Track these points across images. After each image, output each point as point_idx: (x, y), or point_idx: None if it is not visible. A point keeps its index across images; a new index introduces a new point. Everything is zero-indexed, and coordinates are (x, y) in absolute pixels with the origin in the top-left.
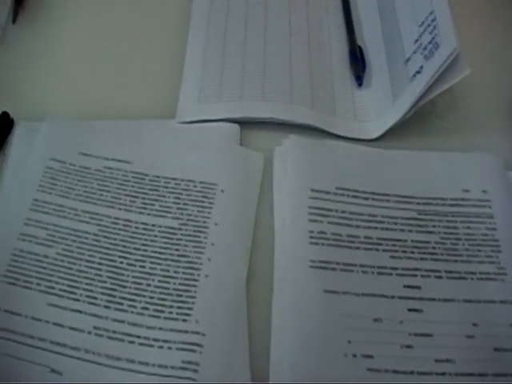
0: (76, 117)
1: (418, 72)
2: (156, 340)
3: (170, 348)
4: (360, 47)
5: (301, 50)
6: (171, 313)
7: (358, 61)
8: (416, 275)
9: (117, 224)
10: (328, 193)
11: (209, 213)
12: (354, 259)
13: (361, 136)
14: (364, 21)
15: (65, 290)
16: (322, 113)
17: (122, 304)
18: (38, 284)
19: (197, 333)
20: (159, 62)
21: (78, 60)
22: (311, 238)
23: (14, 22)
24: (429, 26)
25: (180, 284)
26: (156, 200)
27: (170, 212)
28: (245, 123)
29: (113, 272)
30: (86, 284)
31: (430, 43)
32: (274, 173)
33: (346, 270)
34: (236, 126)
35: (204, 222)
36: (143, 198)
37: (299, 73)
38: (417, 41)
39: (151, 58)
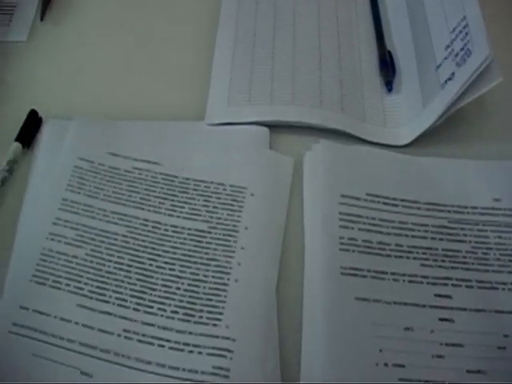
0: (103, 116)
1: (449, 79)
2: (186, 344)
3: (200, 353)
4: (390, 52)
5: (330, 55)
6: (201, 317)
7: (387, 66)
8: (447, 284)
9: (146, 226)
10: (358, 199)
11: (238, 216)
12: (385, 267)
13: (390, 142)
14: (393, 25)
15: (94, 292)
16: (352, 118)
17: (151, 307)
18: (67, 284)
19: (227, 338)
20: (187, 63)
21: (105, 59)
22: (341, 244)
23: (42, 19)
24: (461, 32)
25: (210, 288)
26: (185, 202)
27: (199, 215)
28: (274, 126)
29: (142, 274)
30: (115, 286)
31: (461, 50)
32: (304, 177)
33: (377, 277)
34: (265, 130)
35: (234, 226)
36: (172, 200)
37: (329, 77)
38: (448, 47)
39: (179, 59)
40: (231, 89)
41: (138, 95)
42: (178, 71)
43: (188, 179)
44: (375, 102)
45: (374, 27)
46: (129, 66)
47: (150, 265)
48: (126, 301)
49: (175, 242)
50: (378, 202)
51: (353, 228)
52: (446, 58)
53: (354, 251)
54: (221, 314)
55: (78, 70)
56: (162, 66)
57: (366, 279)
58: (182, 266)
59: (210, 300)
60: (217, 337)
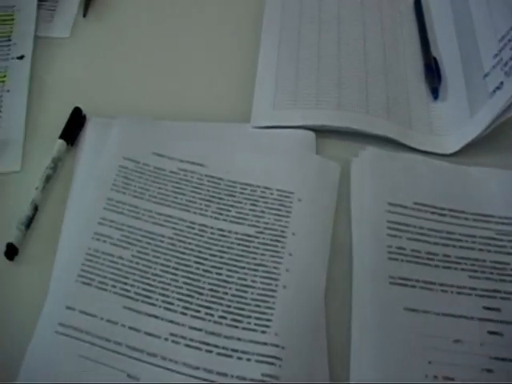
0: (147, 116)
1: (497, 88)
2: (235, 351)
3: (248, 360)
4: (435, 59)
5: (375, 59)
6: (249, 323)
7: (433, 73)
8: (495, 297)
9: (192, 228)
10: (405, 207)
11: (286, 222)
12: (434, 277)
13: (437, 150)
14: (439, 32)
15: (140, 294)
16: (398, 125)
17: (198, 311)
18: (114, 286)
19: (276, 346)
20: (232, 63)
21: (148, 57)
22: (390, 253)
23: (84, 15)
24: (510, 41)
25: (258, 294)
26: (232, 206)
27: (246, 219)
28: (320, 131)
29: (189, 278)
30: (162, 289)
31: (511, 59)
32: (351, 184)
33: (426, 288)
34: (311, 134)
35: (282, 232)
36: (218, 203)
37: (374, 83)
38: (496, 55)
39: (223, 60)
40: (277, 91)
41: (181, 95)
42: (222, 71)
43: (234, 182)
44: (421, 109)
45: (418, 33)
46: (172, 65)
47: (197, 268)
48: (172, 304)
49: (222, 246)
50: (426, 211)
51: (401, 237)
52: (494, 67)
53: (402, 260)
54: (269, 320)
55: (121, 67)
56: (206, 66)
57: (414, 289)
58: (229, 270)
59: (259, 306)
60: (266, 344)
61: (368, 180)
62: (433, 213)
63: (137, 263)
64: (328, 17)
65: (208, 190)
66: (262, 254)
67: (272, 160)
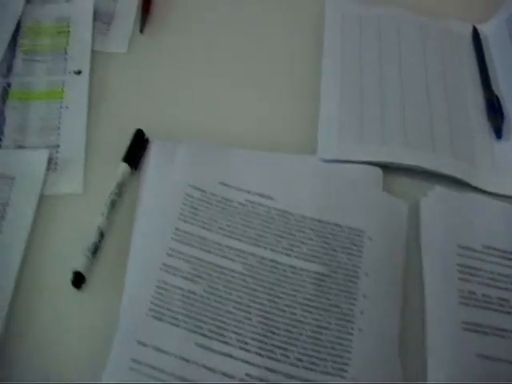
0: (208, 140)
1: None
2: None
3: None
4: (497, 97)
5: (438, 95)
6: (326, 367)
7: (495, 112)
8: None
9: (263, 264)
10: (475, 251)
11: (358, 262)
12: (506, 324)
13: (503, 191)
14: (500, 70)
15: (213, 331)
16: (464, 164)
17: (274, 352)
18: (186, 322)
19: None
20: (293, 92)
21: (209, 78)
22: (461, 297)
23: (141, 31)
24: None
25: (333, 336)
26: (302, 242)
27: (318, 257)
28: (384, 166)
29: (263, 316)
30: (235, 327)
31: None
32: (421, 226)
33: (498, 335)
34: (378, 170)
35: (354, 272)
36: (288, 239)
37: (438, 120)
38: None
39: (284, 87)
40: (342, 124)
41: (242, 121)
42: (283, 98)
43: (304, 217)
44: (485, 148)
45: (478, 70)
46: (231, 89)
47: (271, 307)
48: (247, 343)
49: (294, 284)
50: (495, 255)
51: (471, 281)
52: None
53: (474, 306)
54: (346, 364)
55: (181, 87)
56: (267, 93)
57: (487, 336)
58: (303, 310)
59: (335, 349)
60: None
61: (437, 222)
62: (502, 257)
63: (208, 299)
64: (388, 48)
65: (278, 225)
66: (336, 295)
67: (340, 195)
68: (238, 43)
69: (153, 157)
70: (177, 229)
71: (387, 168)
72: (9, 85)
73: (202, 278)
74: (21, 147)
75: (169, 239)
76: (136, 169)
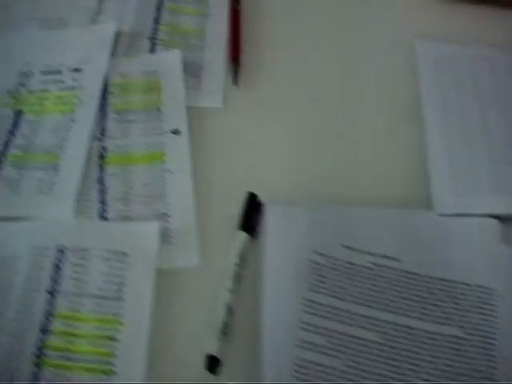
0: (320, 197)
1: None
2: None
3: None
4: None
5: None
6: None
7: None
8: None
9: (398, 331)
10: None
11: (493, 322)
12: None
13: None
14: None
15: None
16: None
17: None
18: None
19: None
20: (396, 145)
21: (310, 135)
22: None
23: (234, 83)
24: None
25: None
26: (434, 304)
27: (451, 319)
28: (498, 217)
29: None
30: None
31: None
32: None
33: None
34: (497, 223)
35: (491, 333)
36: (420, 302)
37: None
38: None
39: (387, 141)
40: (453, 176)
41: (349, 177)
42: (387, 148)
43: (432, 278)
44: None
45: None
46: (333, 144)
47: (411, 376)
48: None
49: (432, 351)
50: None
51: None
52: None
53: None
54: None
55: (285, 142)
56: (369, 147)
57: None
58: (446, 377)
59: None
60: None
61: None
62: None
63: (349, 373)
64: (485, 91)
65: (407, 288)
66: (474, 358)
67: (463, 251)
68: (338, 101)
69: (271, 223)
70: (307, 300)
71: (501, 219)
72: (104, 148)
73: (341, 351)
74: (127, 218)
75: (300, 312)
76: (254, 237)
